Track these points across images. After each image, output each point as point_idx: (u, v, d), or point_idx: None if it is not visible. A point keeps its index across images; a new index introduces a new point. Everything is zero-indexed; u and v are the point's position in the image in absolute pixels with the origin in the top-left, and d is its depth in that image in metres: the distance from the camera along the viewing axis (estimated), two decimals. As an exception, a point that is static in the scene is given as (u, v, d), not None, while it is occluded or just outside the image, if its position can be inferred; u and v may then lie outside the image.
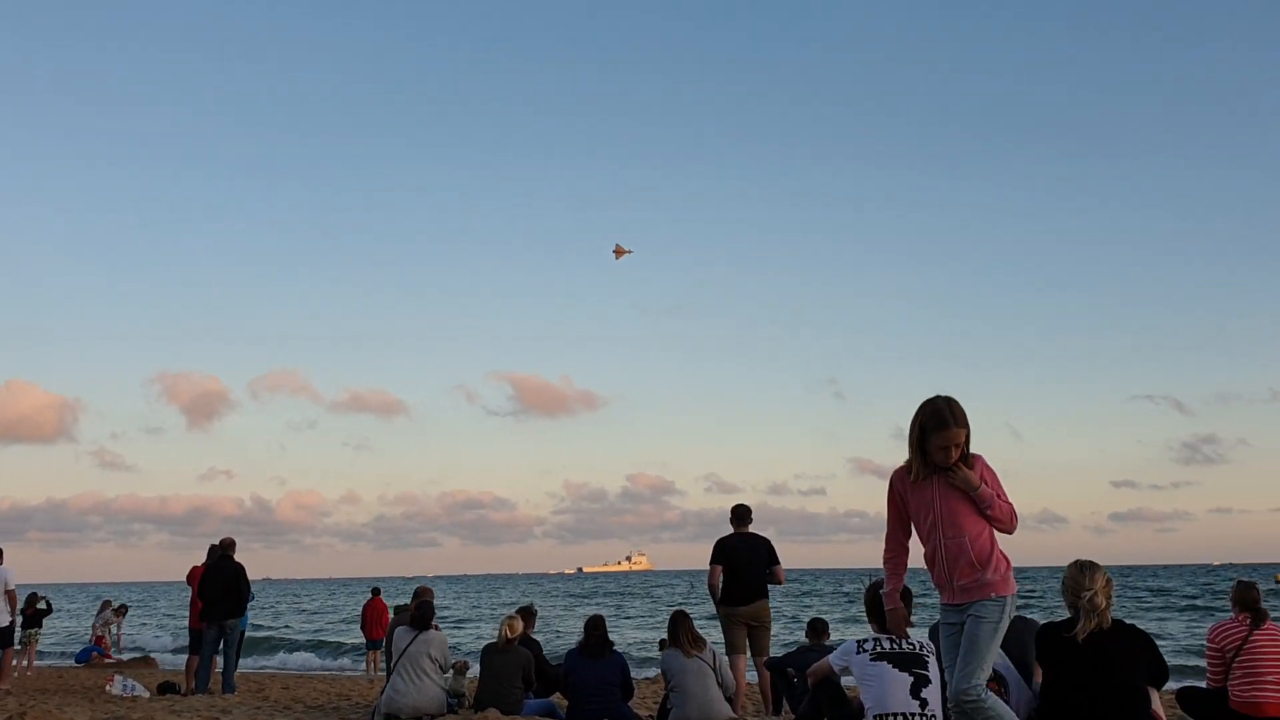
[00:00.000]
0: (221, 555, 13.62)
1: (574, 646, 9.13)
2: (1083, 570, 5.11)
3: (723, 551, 10.08)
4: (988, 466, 4.67)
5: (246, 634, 14.75)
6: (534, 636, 10.78)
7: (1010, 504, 4.58)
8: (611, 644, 9.02)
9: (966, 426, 4.60)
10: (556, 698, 9.90)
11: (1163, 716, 5.05)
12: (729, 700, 8.90)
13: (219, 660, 13.76)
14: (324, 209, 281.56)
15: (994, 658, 4.50)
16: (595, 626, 8.99)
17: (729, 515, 10.39)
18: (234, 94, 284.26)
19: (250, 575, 13.80)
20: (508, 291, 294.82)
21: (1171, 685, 9.96)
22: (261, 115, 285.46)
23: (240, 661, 14.90)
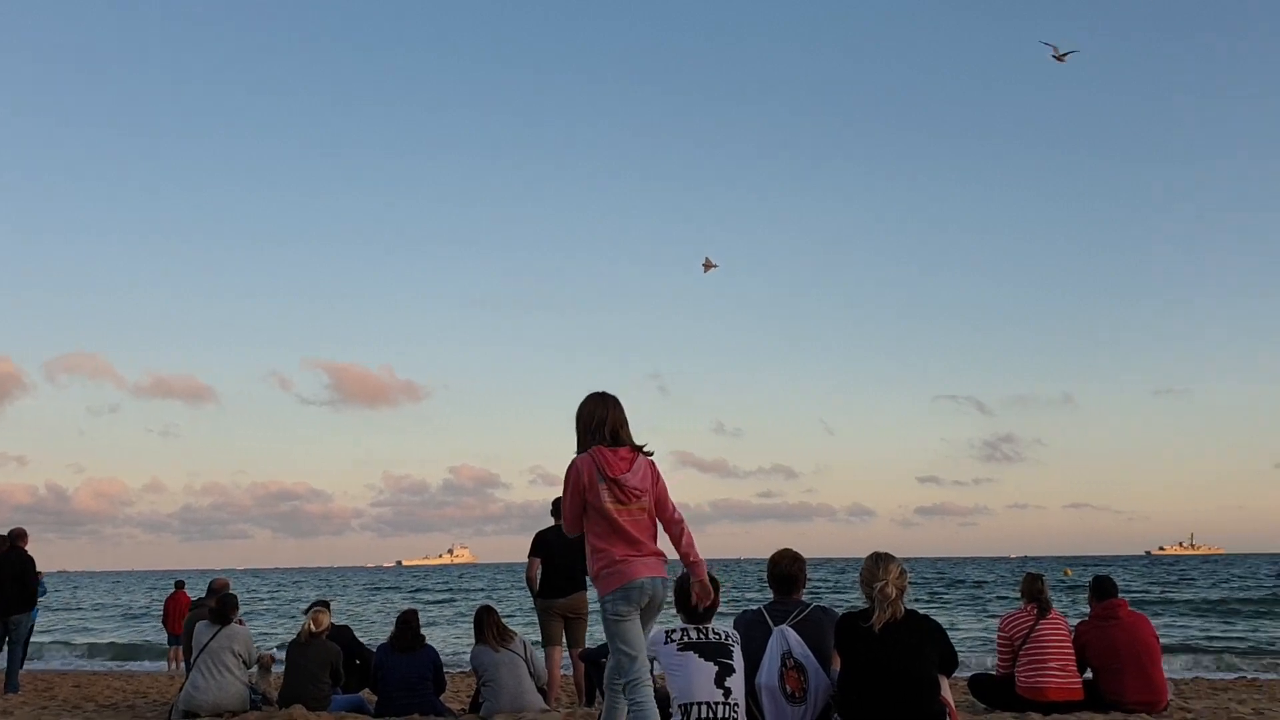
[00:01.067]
0: (10, 546, 12.84)
1: (385, 641, 8.96)
2: (877, 562, 5.30)
3: (542, 544, 10.07)
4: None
5: (35, 629, 13.93)
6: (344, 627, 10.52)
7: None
8: (423, 638, 8.89)
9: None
10: (366, 693, 9.70)
11: (951, 702, 5.27)
12: (541, 692, 8.90)
13: (3, 657, 13.00)
14: (126, 186, 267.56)
15: (625, 647, 5.05)
16: (407, 620, 8.85)
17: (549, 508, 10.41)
18: (37, 73, 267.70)
19: (43, 567, 13.08)
20: (324, 277, 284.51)
21: (965, 673, 10.46)
22: (70, 101, 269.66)
23: (27, 659, 14.06)
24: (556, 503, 10.34)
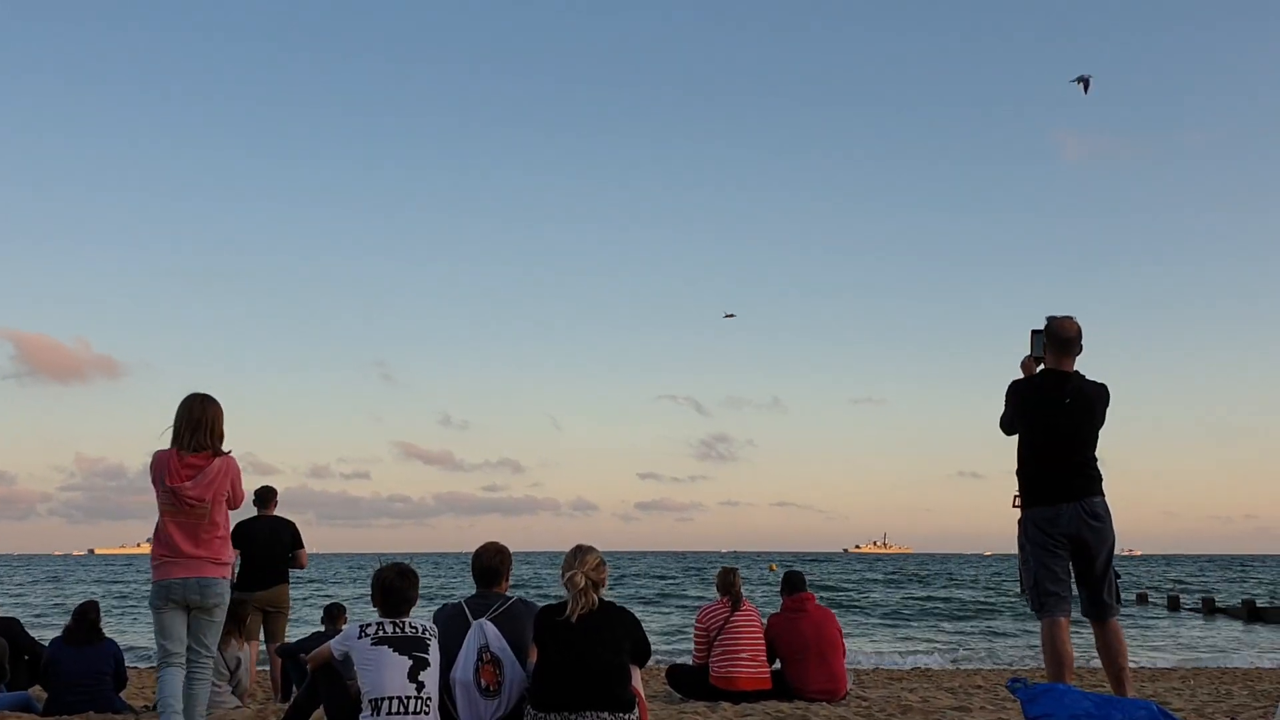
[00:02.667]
0: None
1: (59, 634, 8.32)
2: (574, 554, 5.38)
3: (241, 535, 9.67)
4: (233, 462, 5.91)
5: None
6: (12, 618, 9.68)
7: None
8: (102, 631, 8.30)
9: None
10: (36, 690, 8.95)
11: (641, 692, 5.41)
12: (235, 688, 8.55)
13: None
14: None
15: (159, 634, 5.82)
16: (84, 612, 8.24)
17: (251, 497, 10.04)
18: None
19: None
20: (8, 235, 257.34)
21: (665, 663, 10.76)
22: None
23: None
24: (259, 492, 9.96)
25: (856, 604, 39.58)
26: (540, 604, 5.62)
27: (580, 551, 5.37)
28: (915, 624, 31.17)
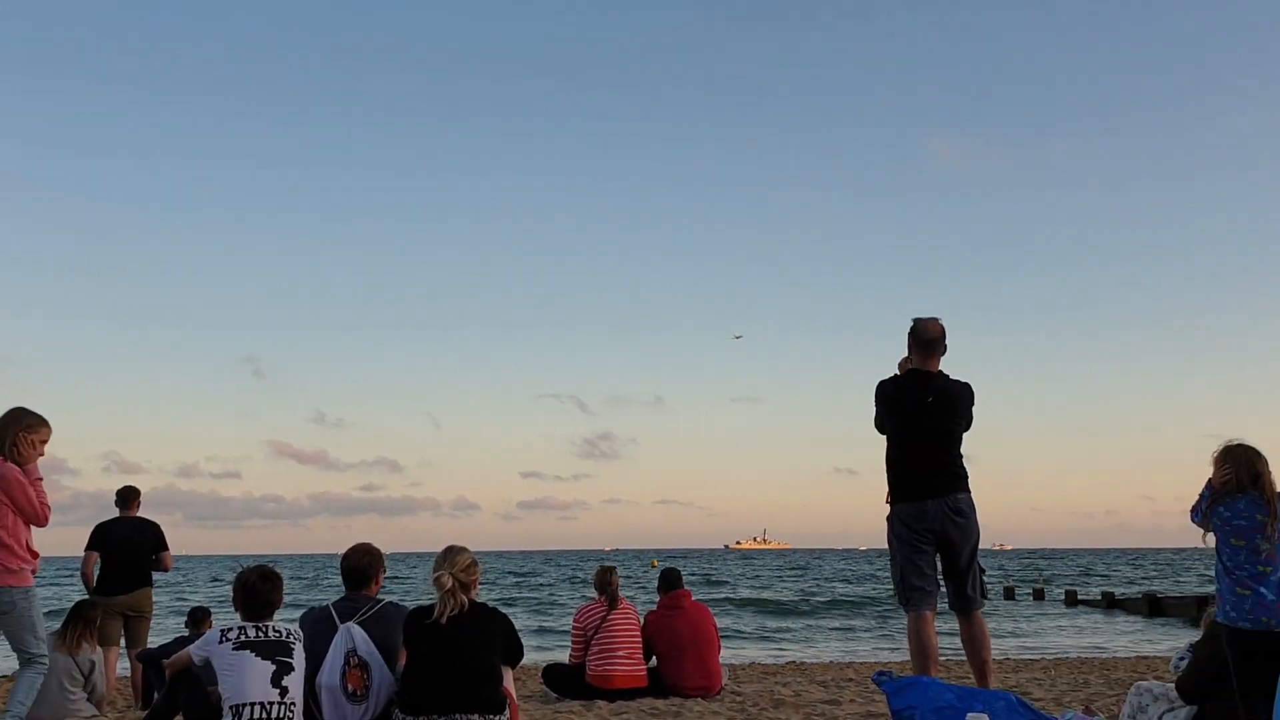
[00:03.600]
0: None
1: None
2: (444, 555, 5.30)
3: (101, 537, 9.32)
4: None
5: None
6: None
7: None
8: None
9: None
10: None
11: (512, 693, 5.36)
12: (91, 695, 8.21)
13: None
14: None
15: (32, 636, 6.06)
16: None
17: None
18: None
19: None
20: None
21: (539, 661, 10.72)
22: None
23: None
24: (120, 492, 9.61)
25: (737, 599, 40.08)
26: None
27: (450, 552, 5.29)
28: (791, 618, 31.69)
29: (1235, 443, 5.00)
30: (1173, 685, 5.65)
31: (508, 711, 5.20)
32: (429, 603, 5.29)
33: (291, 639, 5.11)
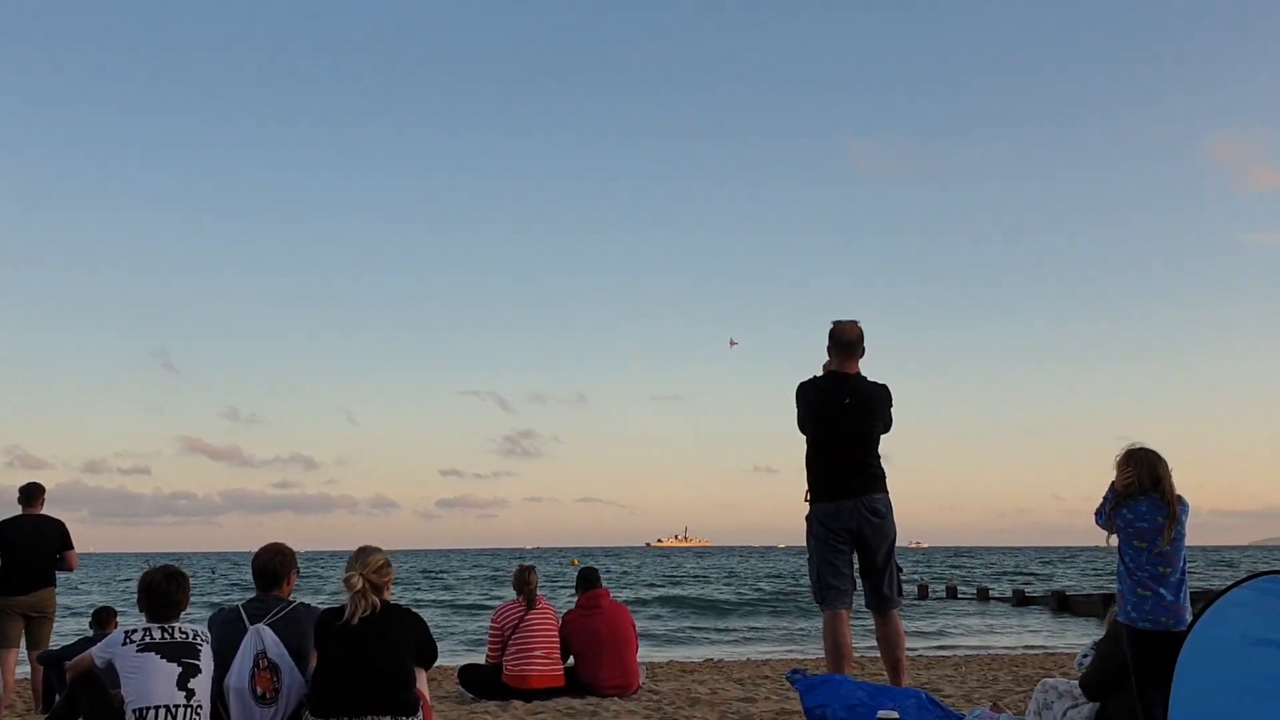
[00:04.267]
0: None
1: None
2: (356, 555, 5.23)
3: (2, 536, 9.03)
4: None
5: None
6: None
7: None
8: None
9: None
10: None
11: (426, 694, 5.31)
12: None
13: None
14: None
15: None
16: None
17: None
18: None
19: None
20: None
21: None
22: None
23: None
24: (23, 489, 9.32)
25: (657, 598, 40.19)
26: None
27: (363, 553, 5.22)
28: (710, 617, 31.87)
29: (1137, 446, 5.13)
30: (1076, 682, 5.78)
31: (420, 713, 5.14)
32: (340, 604, 5.22)
33: (198, 641, 5.00)
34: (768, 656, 18.66)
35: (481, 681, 8.68)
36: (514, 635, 8.58)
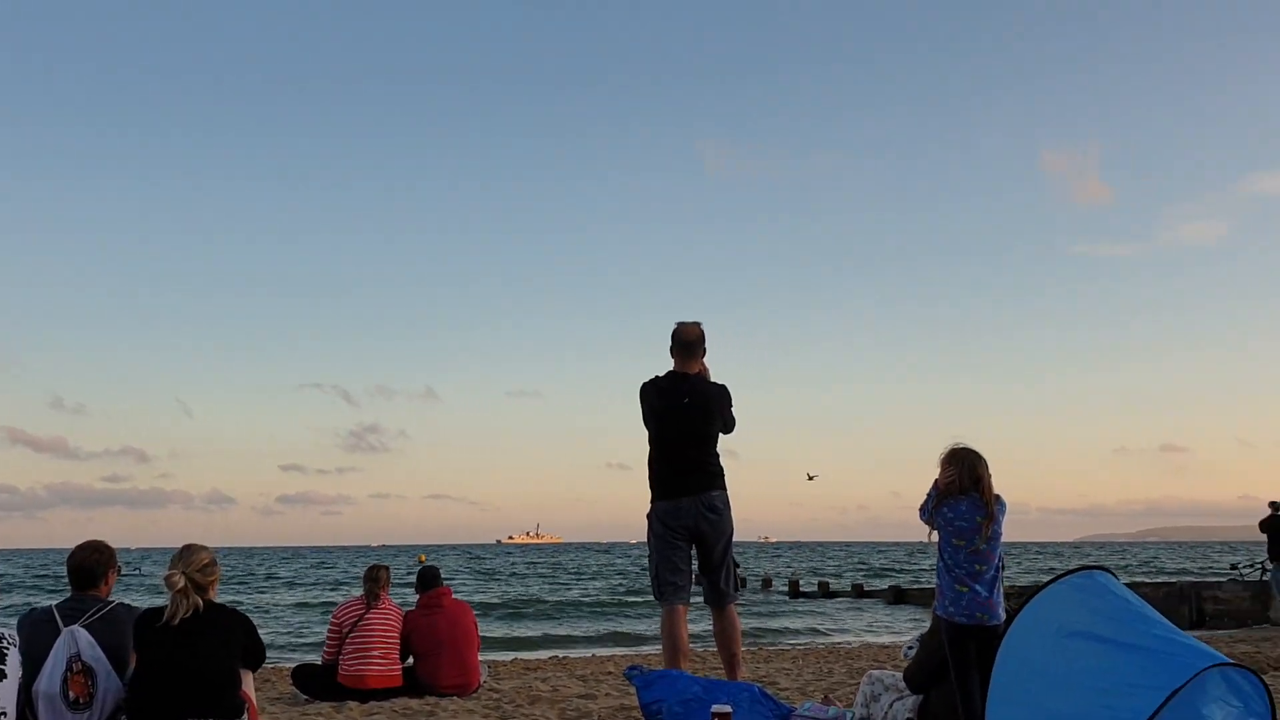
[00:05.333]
0: None
1: None
2: (179, 554, 5.03)
3: None
4: None
5: None
6: None
7: None
8: None
9: None
10: None
11: (252, 696, 5.15)
12: None
13: None
14: None
15: None
16: None
17: None
18: None
19: None
20: None
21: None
22: None
23: None
24: None
25: (505, 595, 39.99)
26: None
27: (187, 551, 5.04)
28: (559, 612, 31.88)
29: (960, 446, 5.33)
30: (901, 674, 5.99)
31: (246, 716, 4.99)
32: (162, 604, 5.02)
33: (4, 644, 4.74)
34: (613, 653, 18.78)
35: (316, 682, 8.48)
36: (352, 634, 8.40)
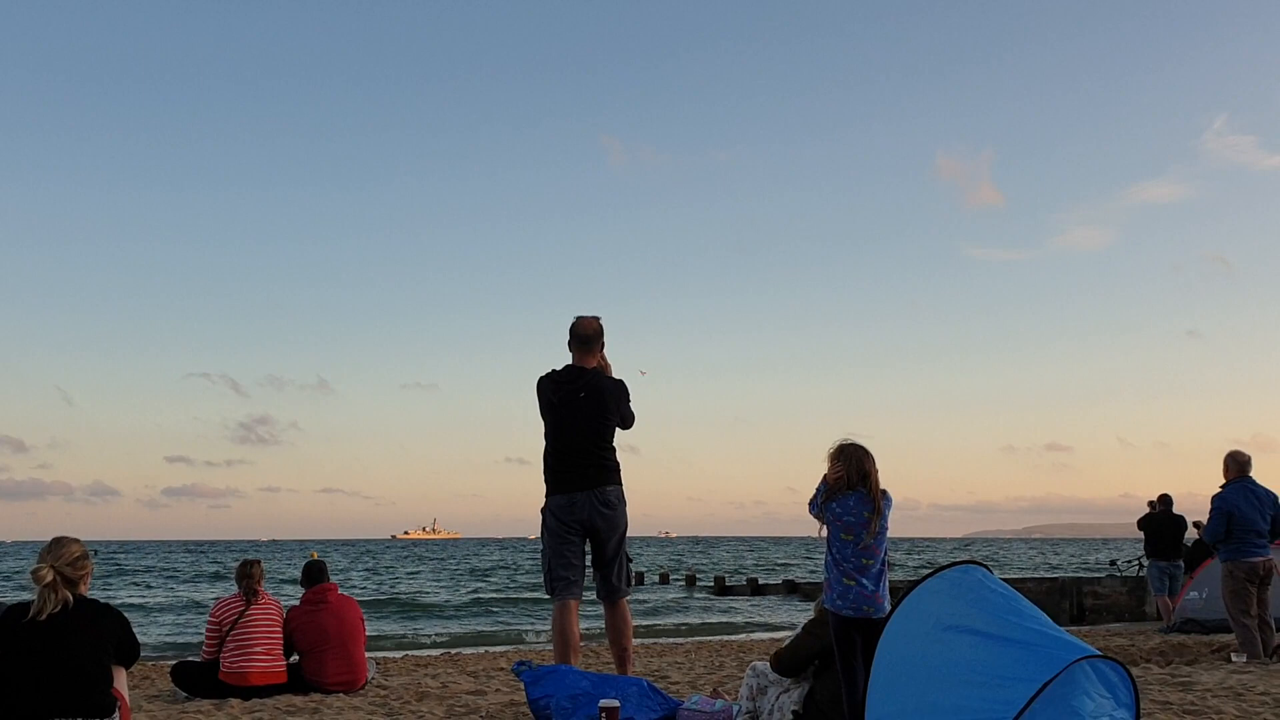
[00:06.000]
0: None
1: None
2: (49, 547, 4.84)
3: None
4: None
5: None
6: None
7: None
8: None
9: None
10: None
11: (125, 695, 4.98)
12: None
13: None
14: None
15: None
16: None
17: None
18: None
19: None
20: None
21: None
22: None
23: None
24: None
25: (395, 591, 39.54)
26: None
27: (57, 544, 4.84)
28: (451, 609, 31.61)
29: (848, 442, 5.41)
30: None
31: (118, 714, 4.83)
32: (29, 599, 4.83)
33: None
34: (505, 649, 18.68)
35: (196, 679, 8.25)
36: (233, 631, 8.21)
